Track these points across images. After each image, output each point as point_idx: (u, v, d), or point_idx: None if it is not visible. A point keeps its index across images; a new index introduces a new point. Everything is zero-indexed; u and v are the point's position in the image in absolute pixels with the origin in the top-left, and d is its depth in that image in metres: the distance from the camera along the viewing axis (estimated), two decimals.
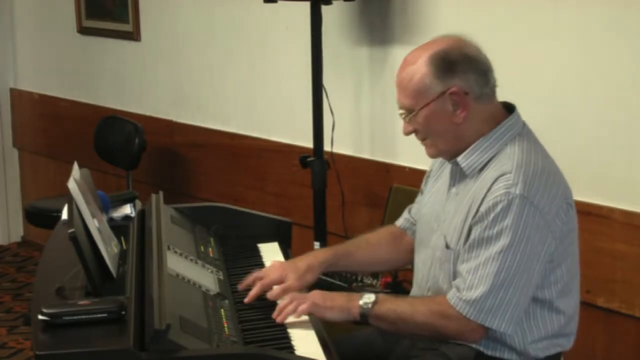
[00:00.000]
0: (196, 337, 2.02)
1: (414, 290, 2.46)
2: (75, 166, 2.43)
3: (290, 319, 2.25)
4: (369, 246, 2.61)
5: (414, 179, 3.24)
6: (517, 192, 2.14)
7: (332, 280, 3.23)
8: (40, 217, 4.68)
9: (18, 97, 5.65)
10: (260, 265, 2.60)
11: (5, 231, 5.79)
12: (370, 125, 3.78)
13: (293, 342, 2.16)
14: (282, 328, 2.23)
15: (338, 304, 2.26)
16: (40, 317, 2.01)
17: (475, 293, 2.15)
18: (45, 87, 5.45)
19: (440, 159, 2.45)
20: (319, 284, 2.47)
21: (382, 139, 3.74)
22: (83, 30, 5.08)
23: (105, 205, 2.69)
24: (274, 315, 2.26)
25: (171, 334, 1.94)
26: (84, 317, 2.02)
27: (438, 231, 2.33)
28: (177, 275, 2.28)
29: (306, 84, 3.63)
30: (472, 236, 2.19)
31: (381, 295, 2.26)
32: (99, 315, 2.02)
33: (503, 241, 2.13)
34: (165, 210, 2.65)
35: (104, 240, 2.28)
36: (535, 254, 2.16)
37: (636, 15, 2.91)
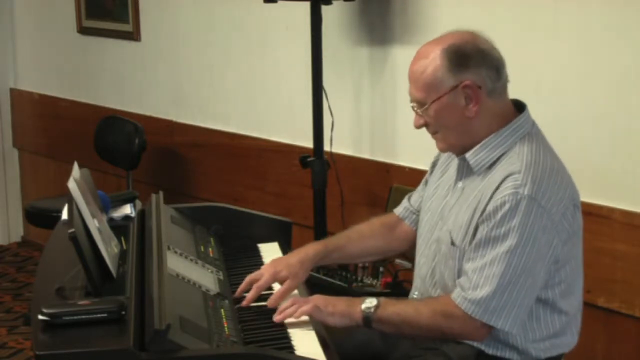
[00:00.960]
0: (196, 337, 2.02)
1: (416, 284, 2.44)
2: (75, 166, 2.42)
3: (290, 320, 2.25)
4: (361, 238, 2.60)
5: (413, 179, 3.23)
6: (526, 192, 2.13)
7: (332, 280, 3.23)
8: (40, 217, 4.67)
9: (18, 97, 5.64)
10: (260, 265, 2.60)
11: (5, 231, 5.78)
12: (370, 125, 3.78)
13: (293, 342, 2.16)
14: (282, 328, 2.23)
15: (339, 310, 2.25)
16: (40, 317, 2.01)
17: (480, 293, 2.15)
18: (45, 87, 5.45)
19: None
20: (319, 284, 2.46)
21: (382, 139, 3.74)
22: (83, 30, 5.08)
23: (105, 205, 2.69)
24: (275, 317, 2.25)
25: (171, 334, 1.94)
26: (84, 317, 2.02)
27: (444, 226, 2.32)
28: (177, 275, 2.28)
29: (306, 84, 3.63)
30: (478, 235, 2.19)
31: (383, 299, 2.25)
32: (99, 315, 2.02)
33: (510, 242, 2.13)
34: (165, 210, 2.65)
35: (104, 240, 2.27)
36: (541, 256, 2.15)
37: (636, 15, 2.91)
